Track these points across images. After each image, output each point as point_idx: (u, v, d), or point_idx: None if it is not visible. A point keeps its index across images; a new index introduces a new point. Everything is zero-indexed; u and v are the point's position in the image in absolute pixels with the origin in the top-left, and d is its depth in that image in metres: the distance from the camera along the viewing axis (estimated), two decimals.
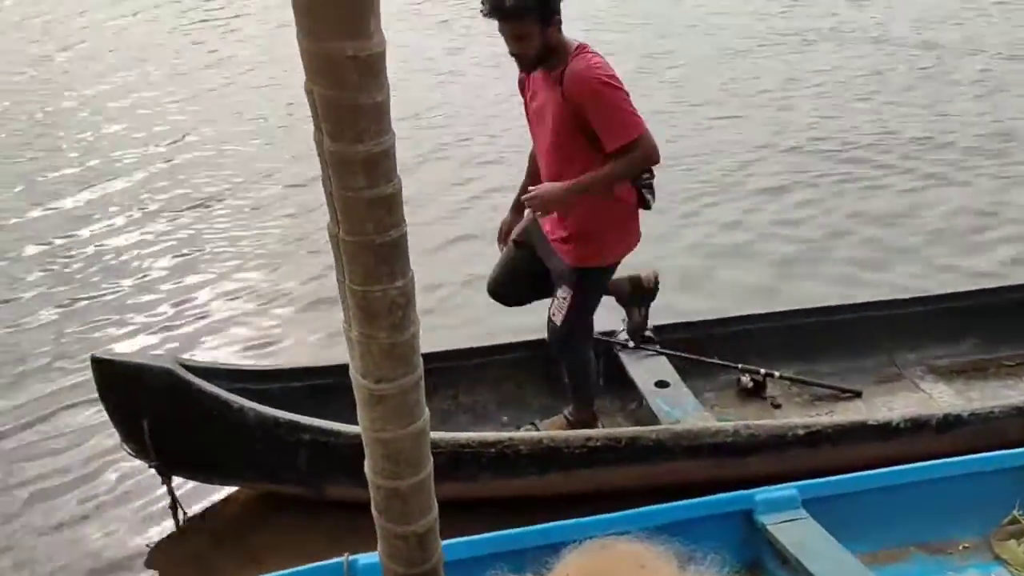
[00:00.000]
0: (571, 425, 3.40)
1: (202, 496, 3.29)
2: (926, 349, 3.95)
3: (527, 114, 3.28)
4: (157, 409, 2.96)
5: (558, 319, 3.27)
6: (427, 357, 3.57)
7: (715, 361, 3.70)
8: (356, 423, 3.00)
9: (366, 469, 1.60)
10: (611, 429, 3.22)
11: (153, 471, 3.08)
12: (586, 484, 3.13)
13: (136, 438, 3.00)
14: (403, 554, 1.64)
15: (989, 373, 3.89)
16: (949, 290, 4.11)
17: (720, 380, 3.75)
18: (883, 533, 2.89)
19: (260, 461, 3.08)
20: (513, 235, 3.48)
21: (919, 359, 3.93)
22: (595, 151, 3.04)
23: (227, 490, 3.32)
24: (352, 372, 1.52)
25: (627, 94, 3.02)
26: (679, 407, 3.35)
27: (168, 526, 3.16)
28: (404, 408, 1.52)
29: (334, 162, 1.33)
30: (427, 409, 1.57)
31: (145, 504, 3.26)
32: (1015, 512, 2.90)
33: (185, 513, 3.16)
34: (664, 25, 9.26)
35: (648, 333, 3.70)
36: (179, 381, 2.94)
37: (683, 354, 3.66)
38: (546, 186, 3.11)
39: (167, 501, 3.12)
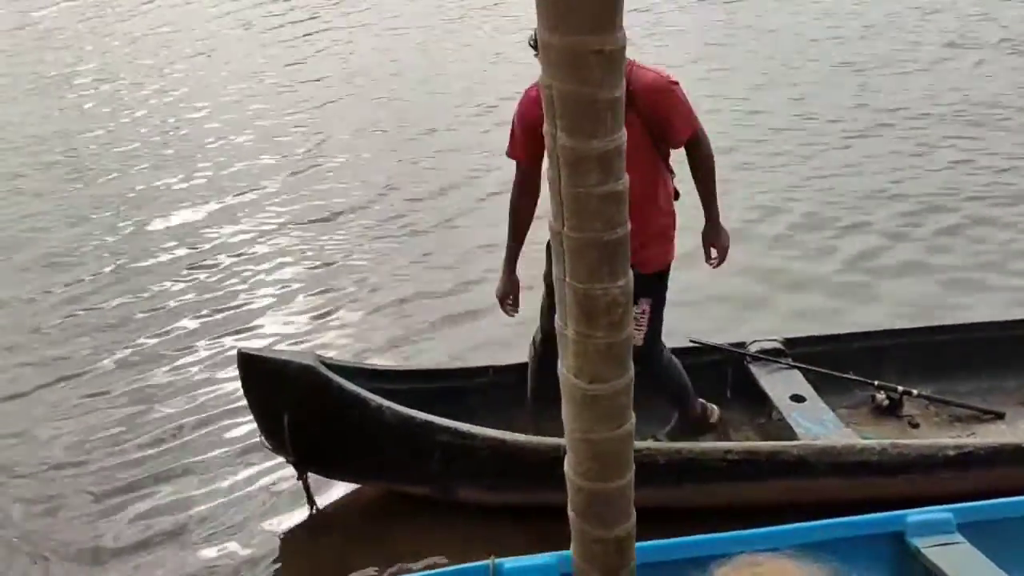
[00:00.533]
0: (686, 430, 3.37)
1: (331, 493, 3.32)
2: None
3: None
4: (297, 405, 3.00)
5: (640, 338, 3.05)
6: None
7: (849, 377, 3.58)
8: (487, 426, 3.06)
9: (566, 469, 1.58)
10: (751, 443, 3.14)
11: (290, 467, 3.13)
12: (721, 498, 3.06)
13: (276, 433, 3.05)
14: (600, 559, 1.61)
15: None
16: None
17: (854, 396, 3.63)
18: None
19: (395, 460, 3.10)
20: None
21: None
22: (656, 152, 3.03)
23: (353, 487, 3.34)
24: (562, 371, 1.50)
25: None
26: (818, 423, 3.25)
27: (302, 521, 3.20)
28: (615, 410, 1.50)
29: (568, 158, 1.31)
30: (633, 413, 1.53)
31: (279, 498, 3.32)
32: None
33: (318, 509, 3.20)
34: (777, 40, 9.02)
35: (779, 346, 3.61)
36: (319, 378, 2.98)
37: (816, 368, 3.55)
38: (713, 238, 3.17)
39: (301, 496, 3.16)
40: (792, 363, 3.56)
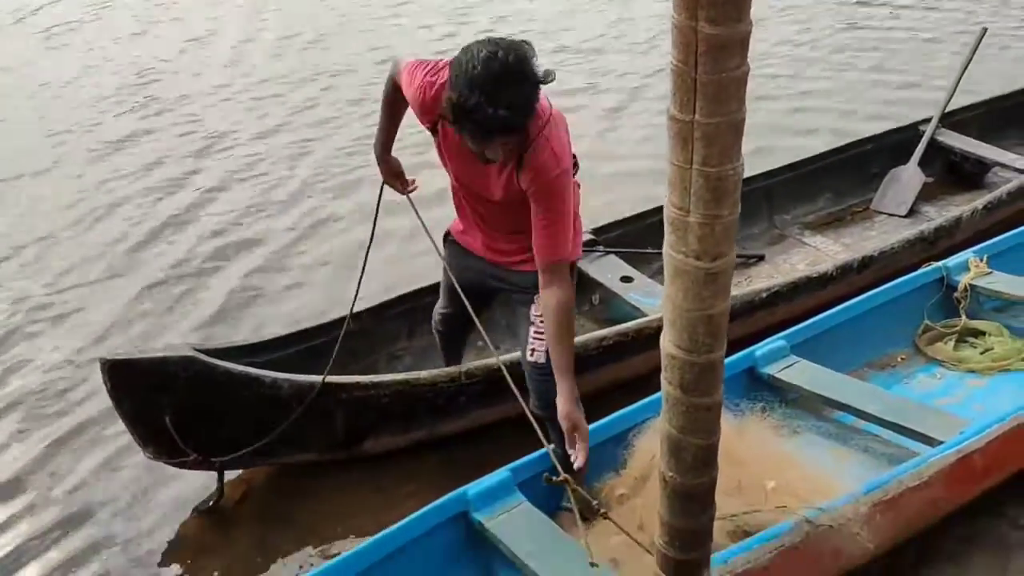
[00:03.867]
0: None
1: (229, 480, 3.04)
2: (795, 209, 4.57)
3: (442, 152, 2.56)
4: (183, 401, 2.71)
5: (541, 354, 2.58)
6: (410, 295, 3.52)
7: (648, 251, 3.97)
8: (354, 373, 2.99)
9: (672, 350, 1.67)
10: (619, 327, 3.34)
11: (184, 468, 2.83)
12: (603, 380, 3.30)
13: (162, 438, 2.73)
14: (705, 426, 1.75)
15: (847, 220, 4.60)
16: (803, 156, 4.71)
17: (653, 266, 4.03)
18: (843, 361, 3.38)
19: (299, 431, 2.90)
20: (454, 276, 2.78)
21: (793, 219, 4.54)
22: None
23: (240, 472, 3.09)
24: (676, 257, 1.58)
25: (574, 194, 2.52)
26: (653, 296, 3.59)
27: (209, 519, 2.94)
28: (728, 283, 1.62)
29: (712, 45, 1.37)
30: None
31: (176, 498, 3.00)
32: (926, 321, 3.56)
33: (220, 501, 2.95)
34: None
35: (591, 236, 3.90)
36: (205, 366, 2.70)
37: (625, 249, 3.91)
38: (566, 414, 2.47)
39: (200, 494, 2.91)
40: (606, 250, 3.89)
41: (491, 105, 2.11)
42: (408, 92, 2.52)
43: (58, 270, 4.40)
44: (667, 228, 1.60)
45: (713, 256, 1.56)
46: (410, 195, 2.93)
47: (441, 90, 2.32)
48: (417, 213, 2.89)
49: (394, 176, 2.90)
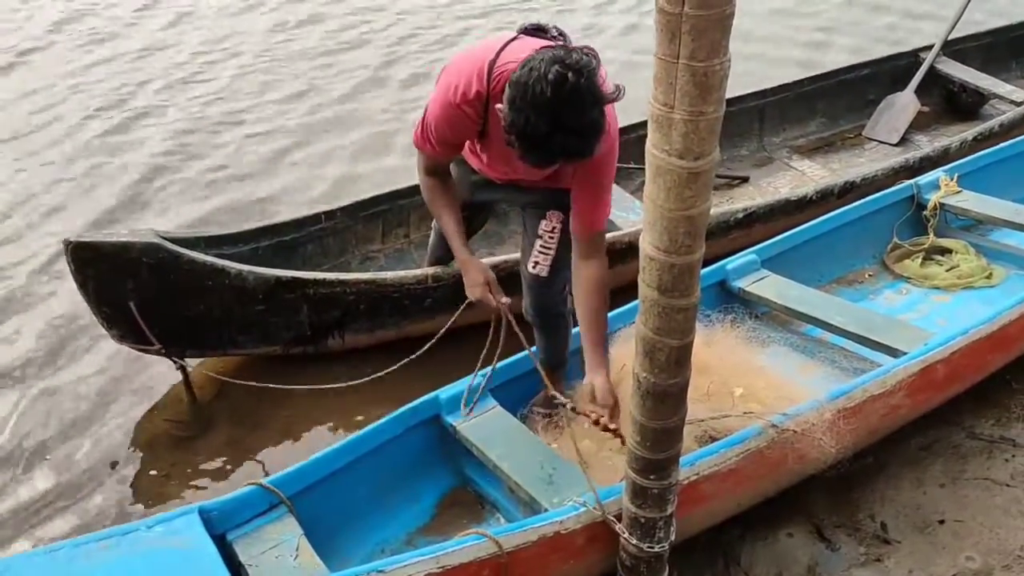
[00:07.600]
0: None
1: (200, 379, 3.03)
2: (786, 132, 4.52)
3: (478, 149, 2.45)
4: (147, 287, 2.69)
5: (544, 268, 2.56)
6: (385, 197, 3.50)
7: (631, 166, 3.89)
8: (325, 271, 2.94)
9: (651, 251, 1.67)
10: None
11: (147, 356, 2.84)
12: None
13: (125, 323, 2.73)
14: (680, 327, 1.76)
15: (836, 146, 4.56)
16: (795, 78, 4.61)
17: (635, 182, 3.98)
18: (813, 276, 3.42)
19: (263, 324, 2.92)
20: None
21: (782, 142, 4.49)
22: None
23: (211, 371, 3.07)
24: (660, 157, 1.56)
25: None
26: (630, 211, 3.57)
27: (184, 417, 2.93)
28: (710, 183, 1.61)
29: None
30: None
31: (145, 397, 2.99)
32: (895, 239, 3.59)
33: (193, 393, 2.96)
34: None
35: None
36: (168, 253, 2.69)
37: None
38: (610, 391, 2.39)
39: (171, 391, 2.90)
40: None
41: (561, 133, 1.97)
42: (445, 134, 2.31)
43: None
44: (651, 126, 1.57)
45: (696, 155, 1.54)
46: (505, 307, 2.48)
47: (478, 97, 2.17)
48: (517, 331, 2.44)
49: (488, 282, 2.48)
